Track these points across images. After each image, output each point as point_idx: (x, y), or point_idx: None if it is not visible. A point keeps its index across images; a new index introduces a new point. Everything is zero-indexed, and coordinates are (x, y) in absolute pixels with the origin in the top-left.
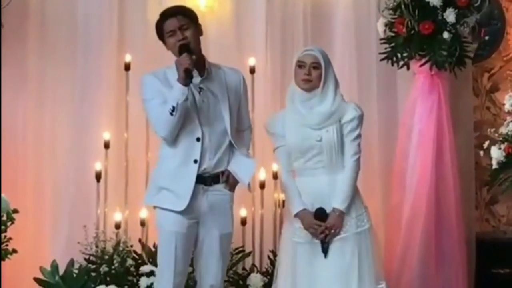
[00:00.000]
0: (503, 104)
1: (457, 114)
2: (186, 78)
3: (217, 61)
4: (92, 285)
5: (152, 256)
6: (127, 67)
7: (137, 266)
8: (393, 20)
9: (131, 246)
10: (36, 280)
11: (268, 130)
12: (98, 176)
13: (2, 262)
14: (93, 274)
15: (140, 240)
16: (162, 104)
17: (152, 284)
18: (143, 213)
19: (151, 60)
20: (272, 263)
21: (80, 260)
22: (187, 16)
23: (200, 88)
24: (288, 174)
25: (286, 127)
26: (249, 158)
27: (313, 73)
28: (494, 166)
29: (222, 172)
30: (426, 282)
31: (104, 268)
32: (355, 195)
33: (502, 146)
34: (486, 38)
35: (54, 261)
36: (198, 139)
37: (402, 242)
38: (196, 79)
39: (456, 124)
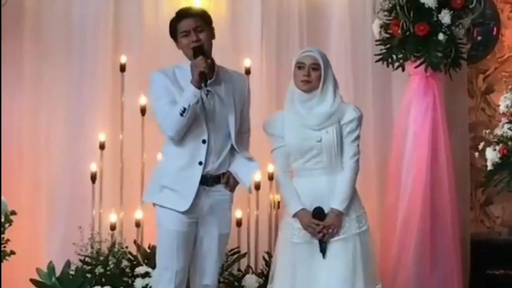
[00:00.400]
0: (498, 105)
1: (452, 115)
2: (200, 81)
3: None
4: (88, 287)
5: (147, 257)
6: (122, 68)
7: (132, 267)
8: (388, 22)
9: (126, 247)
10: (33, 281)
11: (267, 130)
12: (93, 177)
13: None
14: (88, 275)
15: (135, 241)
16: (170, 103)
17: (147, 285)
18: (139, 214)
19: (146, 61)
20: (268, 264)
21: (75, 261)
22: (203, 18)
23: (208, 91)
24: (285, 175)
25: (285, 128)
26: (251, 161)
27: (312, 74)
28: (489, 167)
29: (223, 173)
30: (421, 282)
31: (99, 269)
32: (354, 196)
33: (497, 148)
34: (479, 38)
35: (50, 262)
36: (204, 141)
37: (397, 243)
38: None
39: (451, 125)
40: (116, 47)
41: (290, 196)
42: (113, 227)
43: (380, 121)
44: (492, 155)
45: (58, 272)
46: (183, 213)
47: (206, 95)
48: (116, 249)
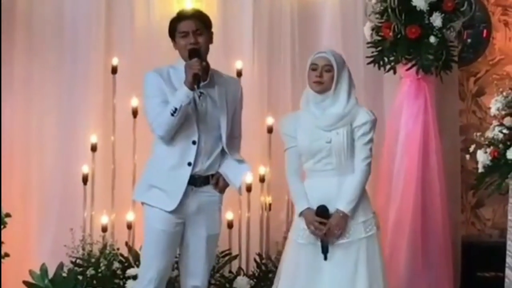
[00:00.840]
0: (489, 108)
1: (443, 118)
2: (193, 83)
3: None
4: None
5: (138, 259)
6: (114, 70)
7: (124, 269)
8: (380, 24)
9: (118, 249)
10: (25, 283)
11: (280, 130)
12: (85, 179)
13: None
14: (79, 277)
15: (126, 243)
16: (163, 103)
17: None
18: (130, 216)
19: (138, 63)
20: (259, 266)
21: (67, 263)
22: (204, 21)
23: (201, 92)
24: (294, 175)
25: (298, 129)
26: (242, 163)
27: (325, 76)
28: (480, 170)
29: (213, 175)
30: (411, 285)
31: (90, 271)
32: (363, 199)
33: (488, 150)
34: (469, 41)
35: (43, 264)
36: (194, 142)
37: (388, 245)
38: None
39: (442, 128)
40: (108, 49)
41: (298, 195)
42: (104, 229)
43: None
44: (483, 157)
45: (50, 274)
46: (170, 212)
47: (199, 96)
48: (107, 251)
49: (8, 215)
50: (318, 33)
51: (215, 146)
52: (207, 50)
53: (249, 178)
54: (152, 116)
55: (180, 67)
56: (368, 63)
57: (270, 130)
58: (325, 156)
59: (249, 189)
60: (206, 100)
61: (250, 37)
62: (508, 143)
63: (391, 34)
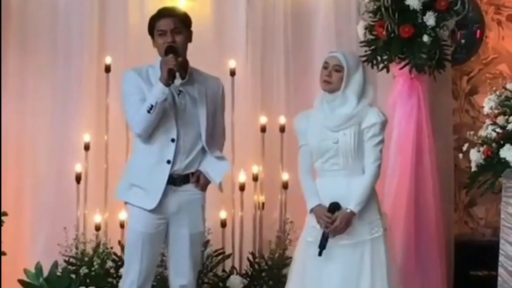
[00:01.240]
0: (482, 107)
1: (436, 117)
2: (168, 79)
3: (197, 63)
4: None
5: None
6: (107, 69)
7: (117, 268)
8: (373, 23)
9: (111, 248)
10: (20, 282)
11: (294, 127)
12: (78, 178)
13: None
14: (73, 276)
15: (120, 242)
16: (141, 101)
17: None
18: (123, 215)
19: (131, 62)
20: (252, 265)
21: (60, 262)
22: (182, 20)
23: (180, 90)
24: (306, 173)
25: (309, 127)
26: (222, 160)
27: (334, 76)
28: (473, 168)
29: (192, 173)
30: (405, 283)
31: (84, 270)
32: (370, 201)
33: (481, 149)
34: (463, 40)
35: (38, 263)
36: (173, 140)
37: None
38: (177, 81)
39: (436, 127)
40: (101, 48)
41: (309, 192)
42: (97, 228)
43: None
44: (476, 156)
45: (44, 272)
46: (151, 212)
47: (178, 94)
48: (100, 250)
49: (4, 213)
50: (311, 32)
51: (195, 144)
52: (185, 48)
53: (242, 177)
54: (130, 115)
55: (158, 65)
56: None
57: (263, 129)
58: (332, 156)
59: (242, 188)
60: (185, 98)
61: (243, 36)
62: (501, 142)
63: (384, 33)
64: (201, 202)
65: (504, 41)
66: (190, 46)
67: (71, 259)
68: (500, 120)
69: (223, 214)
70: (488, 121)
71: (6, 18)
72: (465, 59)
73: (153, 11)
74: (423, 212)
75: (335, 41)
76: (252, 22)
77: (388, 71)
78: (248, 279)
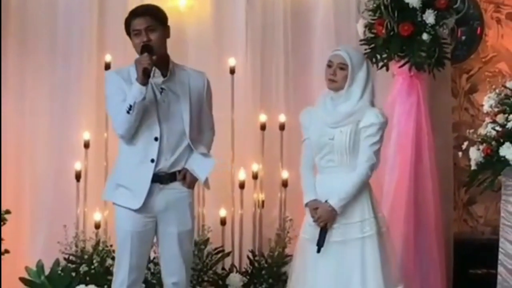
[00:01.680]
0: (482, 105)
1: (436, 115)
2: (144, 78)
3: (197, 61)
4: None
5: None
6: (107, 67)
7: None
8: (372, 21)
9: (111, 245)
10: (22, 279)
11: (300, 120)
12: (78, 176)
13: None
14: (72, 273)
15: None
16: (122, 102)
17: None
18: None
19: (131, 60)
20: (252, 263)
21: (60, 259)
22: (156, 17)
23: (162, 88)
24: (306, 167)
25: (312, 122)
26: (207, 157)
27: (339, 74)
28: (473, 167)
29: (179, 171)
30: (404, 281)
31: (83, 268)
32: (361, 200)
33: (481, 147)
34: (463, 38)
35: (39, 261)
36: (156, 139)
37: None
38: (159, 79)
39: (435, 125)
40: (101, 46)
41: (306, 187)
42: (97, 226)
43: None
44: (475, 154)
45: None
46: (138, 211)
47: (160, 92)
48: (100, 248)
49: (8, 211)
50: (311, 31)
51: (180, 142)
52: (162, 45)
53: (242, 175)
54: (113, 115)
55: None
56: None
57: (263, 127)
58: (327, 153)
59: (242, 186)
60: (167, 96)
61: (243, 34)
62: (501, 140)
63: (383, 31)
64: (188, 199)
65: (503, 39)
66: (189, 44)
67: (70, 257)
68: (500, 118)
69: (222, 212)
70: (487, 119)
71: (6, 18)
72: (465, 56)
73: None
74: (422, 210)
75: (334, 39)
76: (251, 20)
77: (387, 69)
78: (247, 277)
